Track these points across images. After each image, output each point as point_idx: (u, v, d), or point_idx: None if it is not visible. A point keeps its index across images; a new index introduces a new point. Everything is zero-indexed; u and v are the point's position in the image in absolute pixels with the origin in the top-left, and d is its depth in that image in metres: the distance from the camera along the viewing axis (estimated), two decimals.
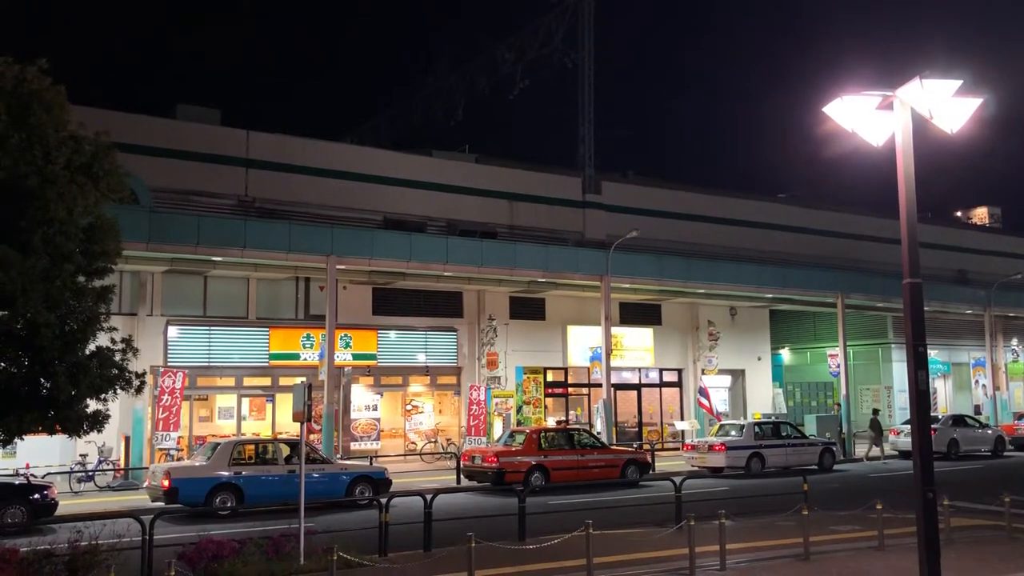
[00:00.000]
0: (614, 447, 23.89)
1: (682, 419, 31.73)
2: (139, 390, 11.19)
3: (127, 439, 22.37)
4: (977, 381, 38.57)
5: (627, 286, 28.66)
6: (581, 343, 29.77)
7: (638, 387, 32.08)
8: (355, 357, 26.11)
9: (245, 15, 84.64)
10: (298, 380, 12.88)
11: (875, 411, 29.66)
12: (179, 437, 22.16)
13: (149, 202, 23.08)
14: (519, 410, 28.64)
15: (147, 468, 19.77)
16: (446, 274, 25.66)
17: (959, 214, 54.56)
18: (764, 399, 34.70)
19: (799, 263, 33.97)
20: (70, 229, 10.38)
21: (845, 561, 11.48)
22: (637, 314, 31.90)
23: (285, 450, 17.72)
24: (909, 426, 11.27)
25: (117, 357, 10.90)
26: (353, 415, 26.29)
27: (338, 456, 22.82)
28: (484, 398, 26.38)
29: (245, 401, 25.18)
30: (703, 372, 32.09)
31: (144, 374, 11.34)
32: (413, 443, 27.42)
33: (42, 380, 10.37)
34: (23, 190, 9.90)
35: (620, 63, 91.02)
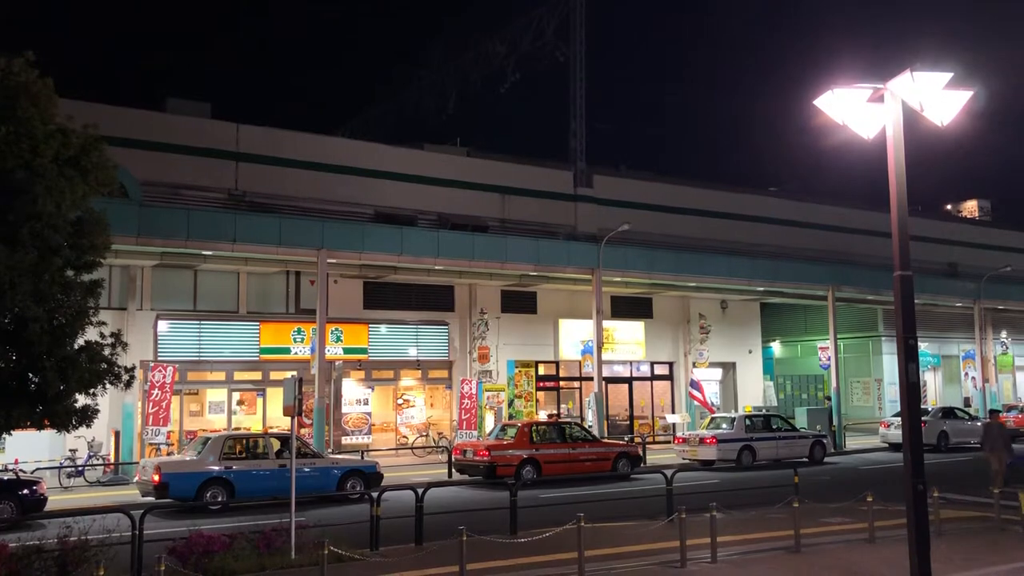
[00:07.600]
0: (605, 440, 23.94)
1: (673, 412, 31.80)
2: (128, 385, 11.16)
3: (117, 434, 22.30)
4: (967, 373, 38.79)
5: (618, 279, 28.64)
6: (572, 337, 29.78)
7: (629, 380, 32.13)
8: (346, 351, 26.05)
9: (235, 8, 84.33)
10: (289, 374, 12.84)
11: (992, 412, 20.59)
12: (169, 432, 22.08)
13: (138, 196, 22.92)
14: (510, 404, 28.64)
15: (137, 463, 19.70)
16: (437, 268, 25.61)
17: (949, 207, 54.56)
18: (755, 392, 34.83)
19: (790, 256, 34.01)
20: (58, 223, 10.31)
21: (836, 553, 11.52)
22: (628, 307, 31.95)
23: (276, 444, 17.67)
24: (899, 418, 11.32)
25: (106, 351, 10.86)
26: (344, 409, 26.24)
27: (329, 450, 22.80)
28: (475, 392, 26.37)
29: (235, 395, 25.13)
30: (694, 365, 32.16)
31: (134, 368, 11.32)
32: (404, 437, 27.41)
33: (30, 375, 10.33)
34: (10, 184, 9.84)
35: (613, 56, 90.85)
